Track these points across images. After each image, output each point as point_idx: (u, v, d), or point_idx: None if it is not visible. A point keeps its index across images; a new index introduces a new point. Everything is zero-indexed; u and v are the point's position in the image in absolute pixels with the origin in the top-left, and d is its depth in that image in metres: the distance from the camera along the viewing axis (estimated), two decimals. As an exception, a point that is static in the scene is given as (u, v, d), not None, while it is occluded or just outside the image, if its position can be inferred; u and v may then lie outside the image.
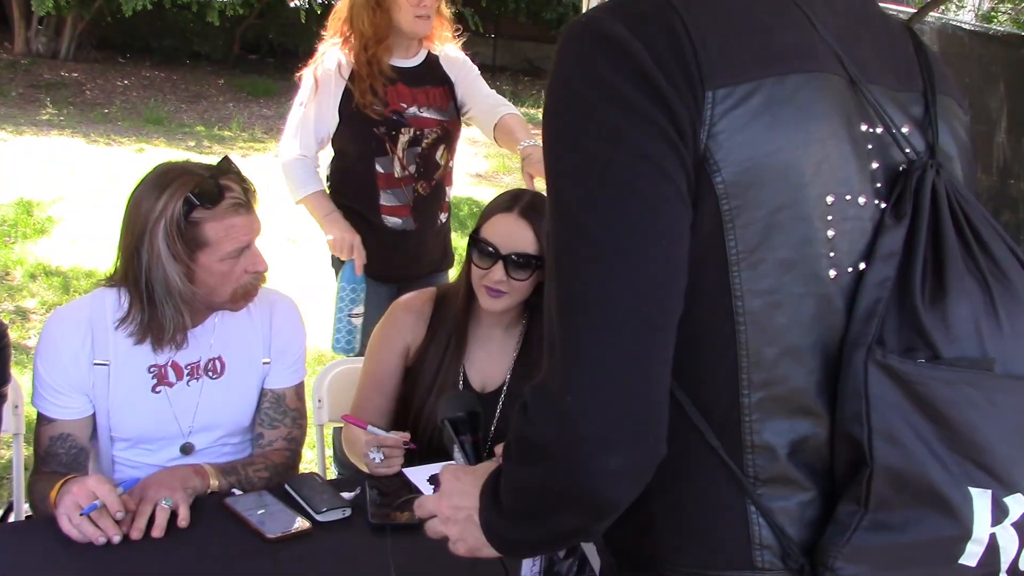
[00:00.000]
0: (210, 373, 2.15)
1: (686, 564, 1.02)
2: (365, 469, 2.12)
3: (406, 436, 2.11)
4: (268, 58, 16.27)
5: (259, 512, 1.90)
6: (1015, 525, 0.96)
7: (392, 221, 3.16)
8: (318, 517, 1.90)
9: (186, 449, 2.15)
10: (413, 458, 2.12)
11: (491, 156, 11.63)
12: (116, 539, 1.76)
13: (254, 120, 12.32)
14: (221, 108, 12.84)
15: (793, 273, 0.96)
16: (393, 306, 2.43)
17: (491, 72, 17.58)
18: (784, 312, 0.96)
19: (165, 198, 1.94)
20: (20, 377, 2.73)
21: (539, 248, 2.13)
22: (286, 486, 2.02)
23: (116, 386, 2.07)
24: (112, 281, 2.08)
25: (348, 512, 1.93)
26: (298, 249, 7.10)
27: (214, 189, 1.96)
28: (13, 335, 5.08)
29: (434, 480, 2.09)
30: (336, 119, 3.11)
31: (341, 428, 2.55)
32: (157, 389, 2.10)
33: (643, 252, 0.92)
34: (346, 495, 1.99)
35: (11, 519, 2.29)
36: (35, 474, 2.08)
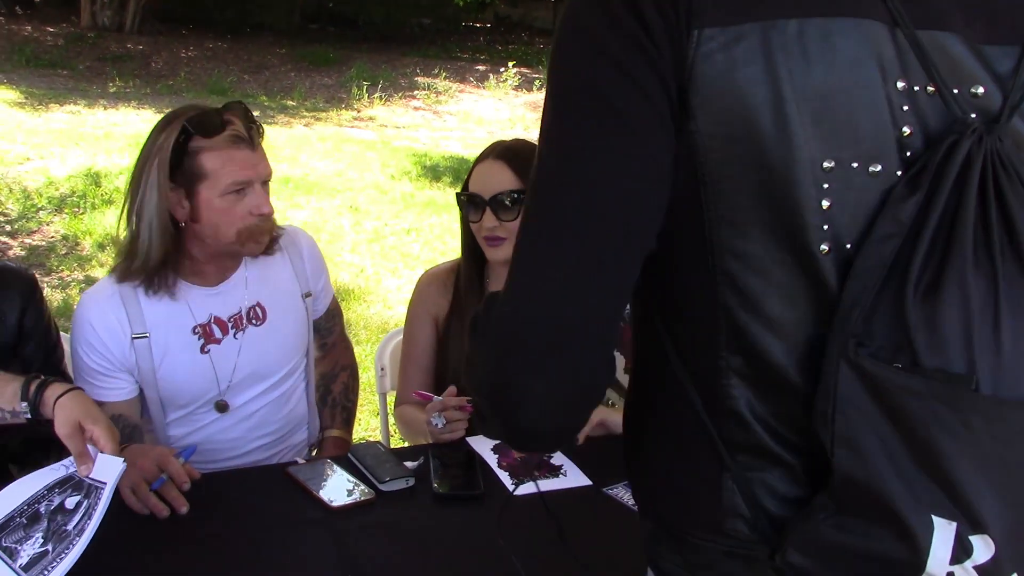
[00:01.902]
0: (254, 321, 2.13)
1: (674, 521, 1.00)
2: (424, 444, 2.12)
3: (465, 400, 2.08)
4: (328, 27, 16.33)
5: (322, 481, 1.89)
6: (978, 569, 0.82)
7: None
8: (381, 487, 1.88)
9: (221, 407, 2.13)
10: (475, 427, 2.10)
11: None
12: (183, 511, 1.75)
13: (316, 89, 12.39)
14: (283, 78, 12.94)
15: (776, 240, 0.85)
16: (419, 280, 2.42)
17: (550, 36, 17.39)
18: (763, 279, 0.87)
19: (167, 131, 1.93)
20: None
21: (520, 183, 2.12)
22: (349, 455, 2.01)
23: (162, 355, 2.04)
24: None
25: (411, 482, 1.91)
26: (359, 216, 7.13)
27: (212, 120, 1.93)
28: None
29: (497, 449, 2.06)
30: None
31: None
32: (206, 349, 2.08)
33: (609, 166, 0.86)
34: (409, 464, 1.96)
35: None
36: None
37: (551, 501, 1.88)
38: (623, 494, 1.92)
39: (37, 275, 2.18)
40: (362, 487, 1.88)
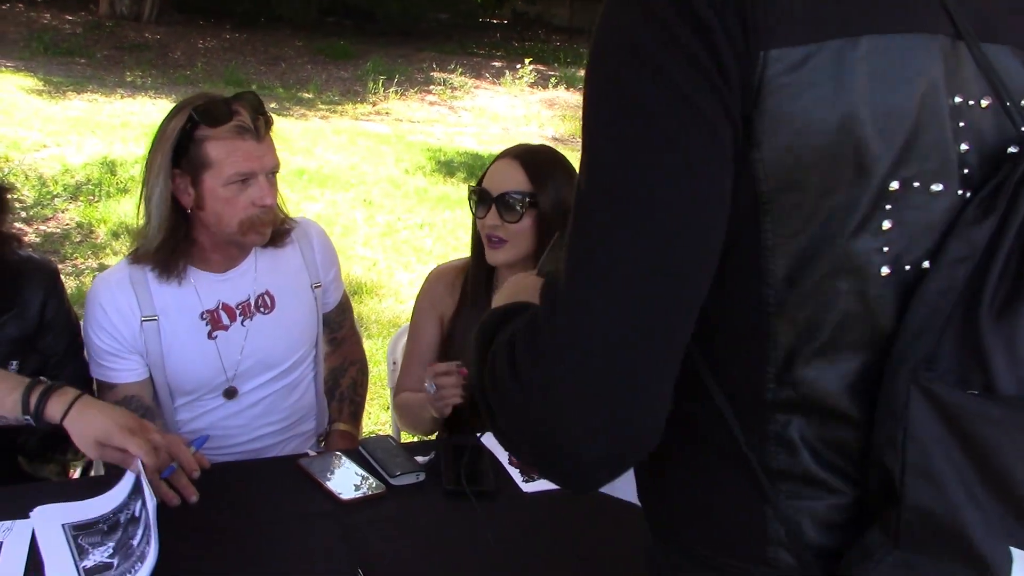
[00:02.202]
0: (262, 309, 2.15)
1: (705, 550, 0.95)
2: (419, 437, 2.11)
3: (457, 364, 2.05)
4: (345, 20, 16.35)
5: (333, 474, 1.89)
6: None
7: None
8: (392, 481, 1.88)
9: (229, 393, 2.15)
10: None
11: (568, 119, 11.55)
12: (193, 499, 1.76)
13: (332, 82, 12.40)
14: (299, 70, 12.96)
15: (836, 266, 0.82)
16: (429, 275, 2.40)
17: (568, 34, 17.40)
18: (820, 307, 0.83)
19: (177, 118, 1.96)
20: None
21: (531, 187, 2.08)
22: (360, 448, 2.01)
23: (170, 339, 2.07)
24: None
25: (422, 476, 1.90)
26: (372, 210, 7.14)
27: (219, 109, 1.94)
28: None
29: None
30: None
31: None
32: (213, 335, 2.10)
33: (675, 215, 0.78)
34: (420, 459, 1.96)
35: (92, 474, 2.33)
36: None
37: (561, 498, 1.88)
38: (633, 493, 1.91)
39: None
40: (372, 481, 1.88)
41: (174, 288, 2.06)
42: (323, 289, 2.31)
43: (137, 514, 1.61)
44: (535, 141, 10.68)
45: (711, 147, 0.79)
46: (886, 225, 0.81)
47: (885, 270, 0.82)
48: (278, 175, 2.09)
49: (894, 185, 0.80)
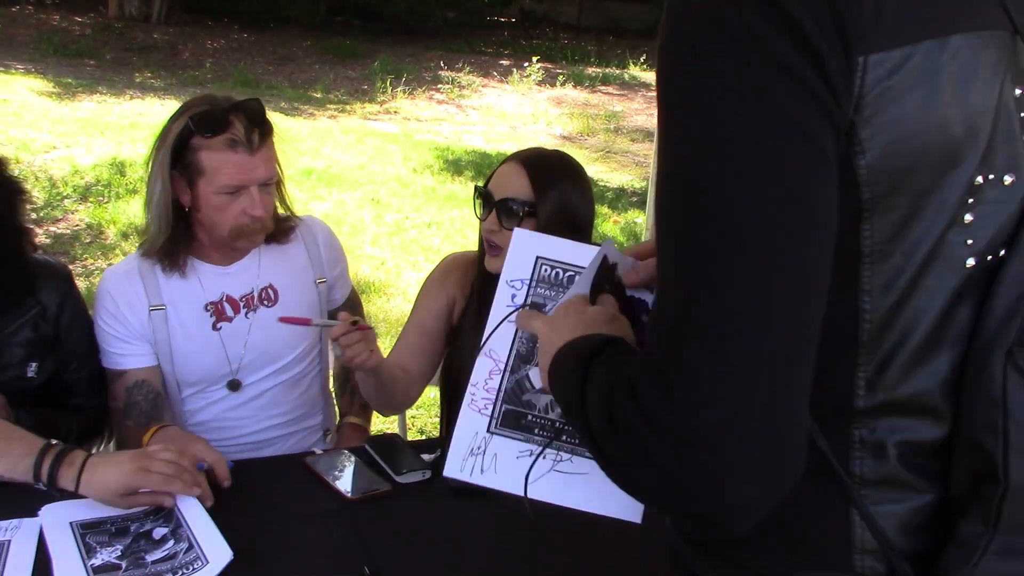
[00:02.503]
0: (265, 302, 2.19)
1: (781, 565, 0.93)
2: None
3: (350, 317, 1.90)
4: (354, 20, 16.37)
5: (339, 472, 1.90)
6: None
7: None
8: (398, 478, 1.89)
9: (233, 385, 2.19)
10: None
11: (576, 117, 11.54)
12: (208, 504, 1.74)
13: (340, 82, 12.42)
14: (308, 70, 12.98)
15: (929, 266, 0.84)
16: (444, 260, 2.35)
17: (575, 33, 17.39)
18: (913, 309, 0.84)
19: (179, 120, 2.00)
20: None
21: (532, 195, 2.04)
22: (366, 446, 2.02)
23: (176, 329, 2.12)
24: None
25: (428, 474, 1.91)
26: (380, 209, 7.15)
27: (215, 120, 1.97)
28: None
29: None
30: None
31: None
32: (218, 326, 2.15)
33: (796, 244, 0.76)
34: (426, 457, 1.97)
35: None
36: (119, 431, 2.13)
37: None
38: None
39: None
40: (379, 479, 1.88)
41: (180, 280, 2.12)
42: (328, 285, 2.33)
43: (156, 536, 1.63)
44: (543, 139, 10.69)
45: (822, 166, 0.78)
46: (968, 219, 0.83)
47: (970, 262, 0.84)
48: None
49: (978, 180, 0.82)
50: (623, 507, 1.27)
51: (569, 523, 1.80)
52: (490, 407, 1.26)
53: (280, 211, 2.22)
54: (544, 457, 1.26)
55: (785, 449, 0.79)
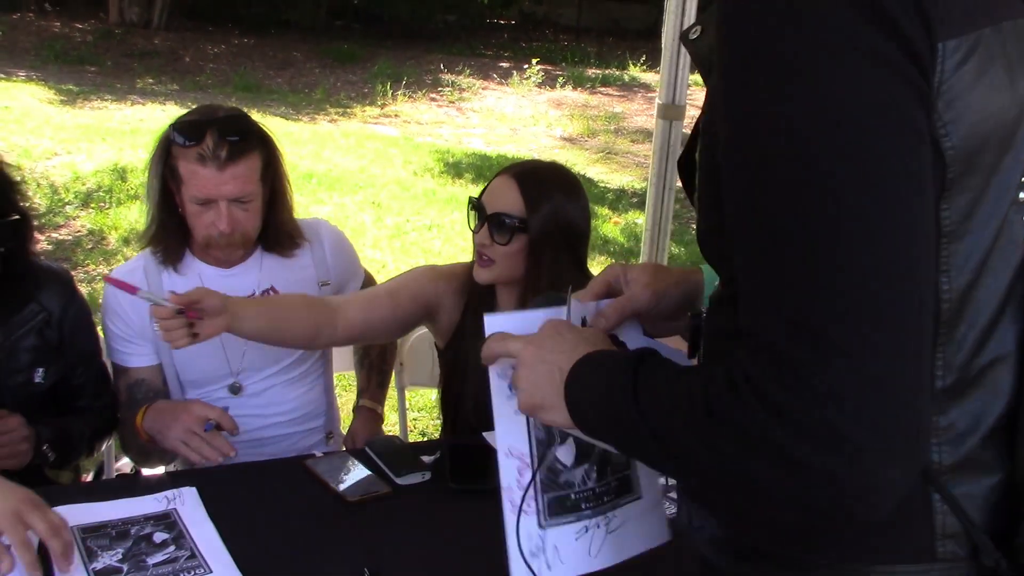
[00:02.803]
0: None
1: (857, 559, 0.91)
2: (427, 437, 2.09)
3: (182, 300, 1.82)
4: (354, 24, 16.40)
5: (339, 474, 1.91)
6: None
7: None
8: (398, 480, 1.90)
9: (234, 388, 2.23)
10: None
11: (576, 118, 11.55)
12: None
13: (340, 86, 12.44)
14: (308, 74, 13.00)
15: (995, 244, 0.88)
16: (446, 267, 2.31)
17: (575, 34, 17.40)
18: (987, 286, 0.88)
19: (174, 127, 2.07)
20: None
21: (524, 211, 2.04)
22: (366, 448, 2.03)
23: None
24: None
25: (428, 476, 1.92)
26: (380, 212, 7.16)
27: (190, 131, 2.02)
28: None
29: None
30: None
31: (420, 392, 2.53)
32: None
33: (916, 230, 0.78)
34: (426, 459, 1.98)
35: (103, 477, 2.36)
36: (121, 424, 2.19)
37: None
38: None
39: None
40: (379, 481, 1.89)
41: (182, 280, 2.14)
42: (334, 288, 2.33)
43: (157, 540, 1.64)
44: (543, 141, 10.69)
45: (927, 153, 0.81)
46: (1022, 196, 0.88)
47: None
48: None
49: None
50: (660, 531, 1.26)
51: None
52: (532, 504, 1.19)
53: (286, 225, 2.24)
54: (598, 527, 1.22)
55: (922, 427, 0.79)
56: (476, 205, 2.11)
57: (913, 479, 0.80)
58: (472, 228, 2.12)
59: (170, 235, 2.14)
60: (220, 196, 2.04)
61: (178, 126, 2.03)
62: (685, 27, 0.98)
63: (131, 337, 2.16)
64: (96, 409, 2.15)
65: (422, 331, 2.64)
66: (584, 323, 1.20)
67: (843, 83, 0.77)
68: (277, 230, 2.22)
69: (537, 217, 2.04)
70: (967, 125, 0.83)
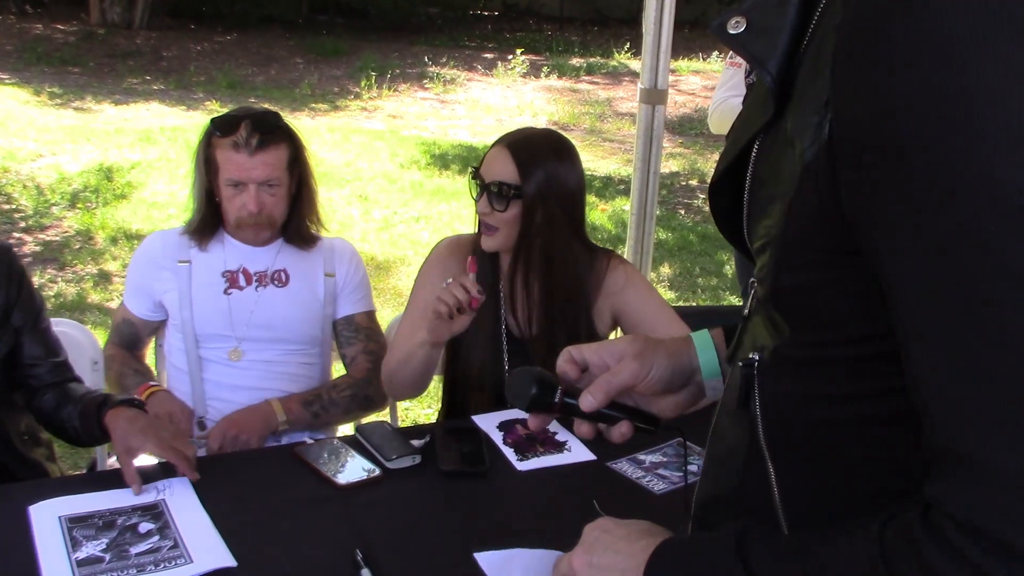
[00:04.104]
0: (276, 282, 2.47)
1: None
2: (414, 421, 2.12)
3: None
4: (337, 18, 16.35)
5: (329, 460, 1.92)
6: None
7: None
8: (388, 464, 1.91)
9: (235, 354, 2.41)
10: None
11: (562, 107, 11.54)
12: (193, 477, 1.82)
13: (325, 81, 12.40)
14: (292, 70, 12.96)
15: None
16: (439, 245, 2.41)
17: (559, 23, 17.38)
18: None
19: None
20: (102, 337, 2.80)
21: (518, 179, 2.16)
22: (356, 433, 2.04)
23: (197, 282, 2.42)
24: None
25: (418, 459, 1.93)
26: (368, 206, 7.16)
27: (226, 124, 2.33)
28: (95, 297, 5.24)
29: (503, 426, 2.09)
30: None
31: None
32: (229, 291, 2.43)
33: None
34: (416, 442, 1.99)
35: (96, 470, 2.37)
36: (108, 343, 2.51)
37: (555, 475, 1.91)
38: (627, 468, 1.94)
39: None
40: (369, 465, 1.91)
41: (209, 248, 2.45)
42: (337, 283, 2.51)
43: (142, 531, 1.65)
44: (538, 124, 10.64)
45: None
46: None
47: None
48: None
49: None
50: None
51: (557, 501, 1.84)
52: None
53: (310, 219, 2.49)
54: None
55: None
56: (477, 175, 2.23)
57: None
58: (474, 198, 2.24)
59: (207, 227, 2.43)
60: (250, 179, 2.32)
61: (217, 121, 2.34)
62: (720, 18, 0.91)
63: (138, 288, 2.46)
64: (57, 383, 2.12)
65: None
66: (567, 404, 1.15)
67: None
68: (299, 223, 2.47)
69: (531, 183, 2.15)
70: None
